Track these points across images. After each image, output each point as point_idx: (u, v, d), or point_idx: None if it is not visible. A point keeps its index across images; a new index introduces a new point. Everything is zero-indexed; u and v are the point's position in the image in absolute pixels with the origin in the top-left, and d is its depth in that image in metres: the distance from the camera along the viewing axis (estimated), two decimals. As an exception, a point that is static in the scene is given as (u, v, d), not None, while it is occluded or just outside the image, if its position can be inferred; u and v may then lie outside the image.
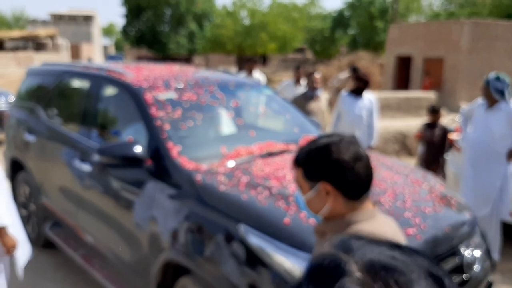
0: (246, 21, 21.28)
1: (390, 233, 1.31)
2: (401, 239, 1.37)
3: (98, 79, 3.52)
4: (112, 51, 71.17)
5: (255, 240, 2.05)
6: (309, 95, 5.24)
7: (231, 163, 2.72)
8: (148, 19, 35.98)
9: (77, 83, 3.89)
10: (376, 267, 0.48)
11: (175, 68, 3.92)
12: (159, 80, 3.29)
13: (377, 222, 1.31)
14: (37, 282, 3.53)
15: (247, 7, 21.09)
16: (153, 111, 2.93)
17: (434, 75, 12.76)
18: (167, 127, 2.87)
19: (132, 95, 3.08)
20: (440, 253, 2.26)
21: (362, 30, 25.49)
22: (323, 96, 7.36)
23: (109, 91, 3.54)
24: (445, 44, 12.72)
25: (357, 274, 0.48)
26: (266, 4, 22.09)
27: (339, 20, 28.07)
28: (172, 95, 3.21)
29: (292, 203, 2.24)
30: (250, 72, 6.93)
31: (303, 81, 6.20)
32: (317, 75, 5.28)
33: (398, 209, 2.40)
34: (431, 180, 3.00)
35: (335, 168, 1.25)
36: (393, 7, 18.87)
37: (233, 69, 28.36)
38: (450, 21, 14.28)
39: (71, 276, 3.64)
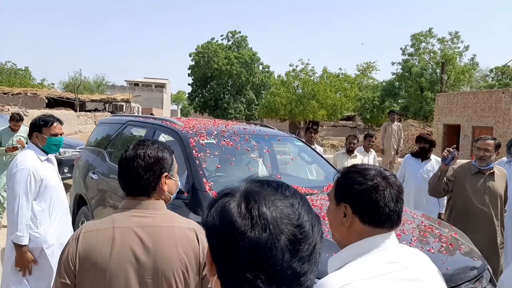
0: (299, 90, 22.51)
1: None
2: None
3: (154, 126, 4.19)
4: (178, 115, 76.50)
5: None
6: (477, 169, 3.59)
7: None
8: (211, 88, 39.05)
9: (136, 130, 4.60)
10: (247, 191, 0.74)
11: (219, 121, 4.52)
12: (203, 129, 3.88)
13: None
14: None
15: (300, 77, 22.46)
16: (194, 152, 3.46)
17: (484, 143, 12.50)
18: (204, 165, 3.36)
19: (178, 139, 3.66)
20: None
21: (412, 99, 25.71)
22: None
23: (163, 137, 4.18)
24: (494, 112, 12.57)
25: (238, 196, 0.74)
26: (319, 74, 23.43)
27: (389, 90, 28.62)
28: (212, 140, 3.76)
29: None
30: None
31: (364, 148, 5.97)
32: (490, 141, 3.59)
33: (402, 246, 2.61)
34: (445, 228, 3.15)
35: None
36: (442, 77, 19.10)
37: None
38: (498, 90, 14.17)
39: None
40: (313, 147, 6.12)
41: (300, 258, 0.70)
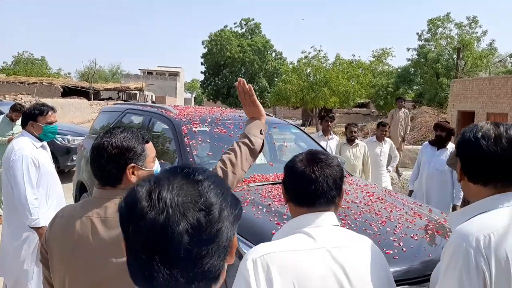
0: (311, 77, 22.25)
1: None
2: None
3: (151, 114, 4.24)
4: (192, 104, 76.91)
5: (243, 247, 2.40)
6: None
7: (244, 186, 3.14)
8: (224, 76, 38.97)
9: (134, 118, 4.66)
10: (157, 177, 0.75)
11: (216, 109, 4.53)
12: (196, 116, 3.91)
13: None
14: None
15: (312, 64, 22.15)
16: (186, 139, 3.50)
17: (499, 130, 12.19)
18: (194, 153, 3.40)
19: (171, 126, 3.70)
20: (424, 274, 2.37)
21: (427, 86, 25.18)
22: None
23: (160, 124, 4.22)
24: (509, 99, 12.23)
25: (148, 182, 0.75)
26: (331, 60, 22.99)
27: (404, 76, 28.02)
28: (205, 128, 3.78)
29: (285, 219, 2.57)
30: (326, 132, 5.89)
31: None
32: None
33: (385, 233, 2.61)
34: (435, 216, 3.11)
35: None
36: (457, 63, 18.58)
37: (299, 121, 29.29)
38: (514, 76, 13.75)
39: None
40: (330, 137, 5.76)
41: (199, 242, 0.70)
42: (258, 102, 1.76)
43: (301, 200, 1.31)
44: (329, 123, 5.83)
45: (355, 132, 5.56)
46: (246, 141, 1.69)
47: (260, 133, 1.73)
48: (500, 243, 1.14)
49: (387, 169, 5.88)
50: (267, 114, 4.89)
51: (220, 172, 1.60)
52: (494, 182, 1.27)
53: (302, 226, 1.27)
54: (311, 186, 1.29)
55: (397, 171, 8.25)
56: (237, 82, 1.75)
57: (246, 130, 1.74)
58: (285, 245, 1.22)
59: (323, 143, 5.36)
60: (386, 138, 5.85)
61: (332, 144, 5.65)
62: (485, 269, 1.12)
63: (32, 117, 3.18)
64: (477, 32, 26.23)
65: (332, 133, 5.90)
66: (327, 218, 1.30)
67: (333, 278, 1.18)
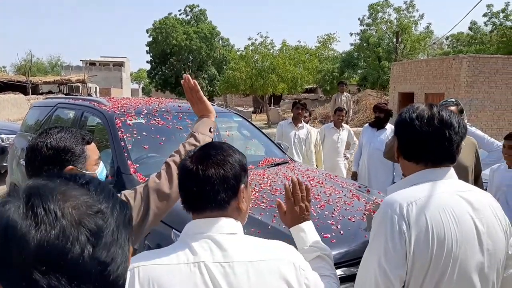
0: (258, 64, 22.23)
1: None
2: None
3: (82, 108, 3.99)
4: (140, 95, 74.47)
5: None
6: None
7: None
8: (171, 65, 37.93)
9: (66, 113, 4.38)
10: (29, 189, 0.65)
11: (154, 100, 4.36)
12: (131, 108, 3.72)
13: None
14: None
15: (259, 51, 22.13)
16: (120, 133, 3.32)
17: (435, 110, 12.94)
18: (129, 147, 3.24)
19: (104, 120, 3.50)
20: (361, 255, 2.42)
21: (370, 69, 26.22)
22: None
23: (93, 118, 3.99)
24: (445, 79, 12.97)
25: (17, 197, 0.64)
26: (278, 47, 23.10)
27: (348, 61, 28.97)
28: (141, 120, 3.61)
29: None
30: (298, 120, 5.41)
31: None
32: (452, 107, 3.13)
33: (323, 217, 2.64)
34: (373, 196, 3.20)
35: None
36: (396, 47, 19.44)
37: (250, 108, 29.28)
38: (449, 56, 14.60)
39: None
40: (300, 125, 5.33)
41: (102, 248, 0.63)
42: (205, 98, 1.70)
43: (189, 205, 1.13)
44: (300, 111, 5.35)
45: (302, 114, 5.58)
46: (192, 140, 1.61)
47: (210, 131, 1.66)
48: (421, 210, 1.24)
49: (345, 156, 5.91)
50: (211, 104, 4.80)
51: (164, 176, 1.50)
52: (425, 160, 1.36)
53: (187, 236, 1.10)
54: (193, 189, 1.10)
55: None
56: (182, 80, 1.68)
57: (194, 128, 1.66)
58: (159, 258, 1.06)
59: (292, 132, 5.26)
60: (343, 124, 5.83)
61: (301, 133, 5.31)
62: (405, 232, 1.22)
63: None
64: (414, 16, 27.56)
65: (303, 121, 5.47)
66: (220, 227, 1.09)
67: None
